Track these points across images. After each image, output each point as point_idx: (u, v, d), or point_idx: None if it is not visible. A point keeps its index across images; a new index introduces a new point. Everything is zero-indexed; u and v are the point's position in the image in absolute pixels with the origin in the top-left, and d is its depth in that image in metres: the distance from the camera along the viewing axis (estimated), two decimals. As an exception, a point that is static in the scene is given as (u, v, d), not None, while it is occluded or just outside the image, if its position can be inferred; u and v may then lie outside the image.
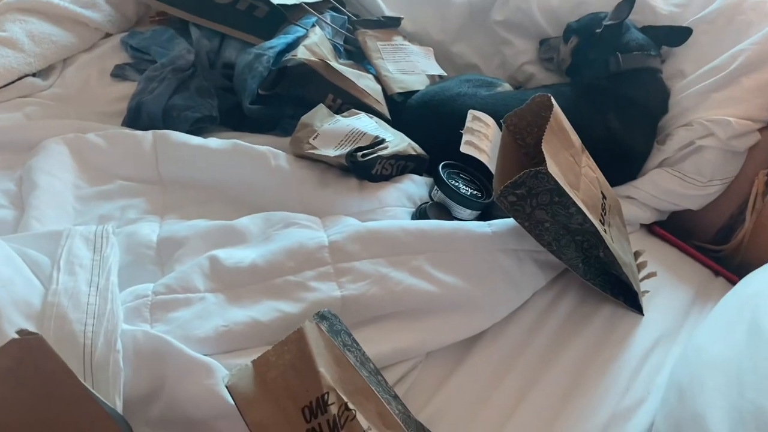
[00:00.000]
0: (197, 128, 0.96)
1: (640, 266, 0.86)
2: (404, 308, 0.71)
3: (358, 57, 1.10)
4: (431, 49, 1.15)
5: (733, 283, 0.84)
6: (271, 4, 1.03)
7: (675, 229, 1.02)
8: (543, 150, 0.70)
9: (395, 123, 0.99)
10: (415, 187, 0.89)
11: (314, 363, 0.56)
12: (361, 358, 0.62)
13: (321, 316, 0.60)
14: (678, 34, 1.06)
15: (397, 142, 0.90)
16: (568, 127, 0.78)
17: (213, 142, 0.89)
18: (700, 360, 0.65)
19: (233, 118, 1.00)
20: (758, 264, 0.78)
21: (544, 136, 0.71)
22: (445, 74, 1.13)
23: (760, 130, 0.98)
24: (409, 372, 0.70)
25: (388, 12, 1.17)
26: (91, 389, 0.53)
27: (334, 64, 0.96)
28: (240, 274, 0.71)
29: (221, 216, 0.83)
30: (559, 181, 0.68)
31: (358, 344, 0.63)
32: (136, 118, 0.96)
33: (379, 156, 0.85)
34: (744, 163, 0.98)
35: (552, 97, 0.75)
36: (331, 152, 0.84)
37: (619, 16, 1.00)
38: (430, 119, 0.99)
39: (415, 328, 0.71)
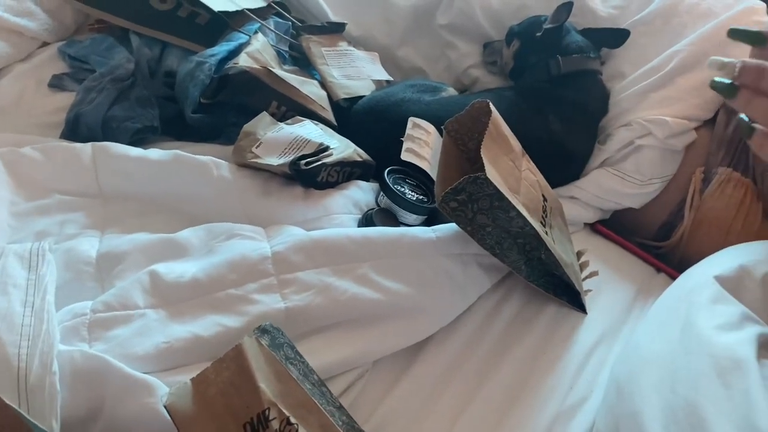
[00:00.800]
0: (138, 139, 0.94)
1: (583, 266, 0.87)
2: (350, 317, 0.71)
3: (304, 63, 1.10)
4: (377, 54, 1.16)
5: (674, 278, 0.86)
6: (213, 11, 1.02)
7: (617, 227, 1.05)
8: (482, 156, 0.70)
9: (341, 129, 0.99)
10: (361, 193, 0.89)
11: (254, 379, 0.55)
12: (305, 371, 0.62)
13: (262, 330, 0.60)
14: (617, 36, 1.08)
15: (342, 148, 0.90)
16: (508, 132, 0.79)
17: (154, 153, 0.87)
18: (638, 357, 0.67)
19: (175, 128, 0.98)
20: (698, 259, 0.80)
21: (483, 142, 0.72)
22: (392, 79, 1.13)
23: (696, 128, 1.01)
24: (356, 381, 0.70)
25: (333, 17, 1.16)
26: (24, 414, 0.52)
27: (277, 70, 0.96)
28: (181, 288, 0.69)
29: (164, 228, 0.81)
30: (498, 186, 0.69)
31: (301, 356, 0.63)
32: (75, 129, 0.94)
33: (323, 163, 0.84)
34: (682, 162, 1.01)
35: (490, 103, 0.76)
36: (275, 161, 0.83)
37: (558, 20, 1.02)
38: (375, 125, 0.99)
39: (360, 337, 0.71)
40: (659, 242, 1.03)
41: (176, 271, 0.72)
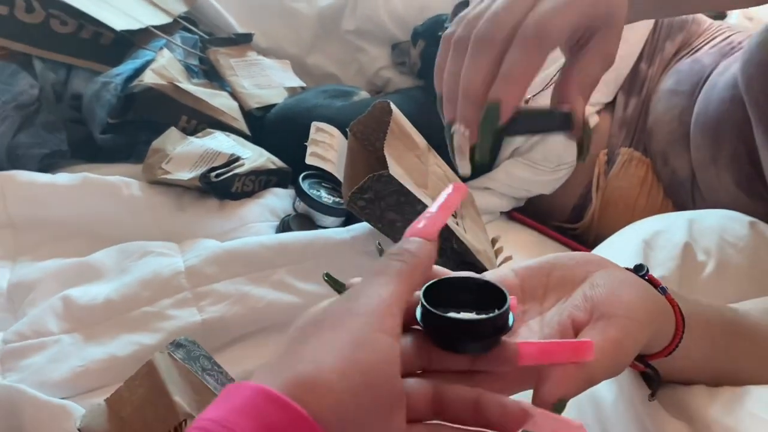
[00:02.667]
0: (47, 164, 0.93)
1: (497, 252, 0.91)
2: (270, 323, 0.72)
3: (214, 76, 1.10)
4: (288, 61, 1.17)
5: (587, 257, 0.90)
6: (116, 30, 1.01)
7: (533, 212, 1.09)
8: (385, 154, 0.73)
9: (256, 138, 1.00)
10: (277, 200, 0.90)
11: (168, 393, 0.56)
12: (223, 381, 0.62)
13: (176, 345, 0.60)
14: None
15: (255, 157, 0.91)
16: (411, 130, 0.82)
17: (62, 177, 0.86)
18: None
19: (86, 150, 0.97)
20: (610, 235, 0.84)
21: (386, 140, 0.74)
22: (305, 85, 1.15)
23: (597, 112, 1.06)
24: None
25: (240, 29, 1.17)
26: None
27: (184, 84, 0.96)
28: (95, 311, 0.69)
29: (78, 253, 0.80)
30: (402, 182, 0.71)
31: (219, 367, 0.63)
32: (-20, 160, 0.92)
33: (235, 174, 0.85)
34: (586, 146, 1.05)
35: (391, 103, 0.78)
36: (185, 175, 0.84)
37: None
38: (288, 132, 1.00)
39: (281, 342, 0.71)
40: (573, 224, 1.08)
41: (89, 293, 0.71)
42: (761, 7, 1.52)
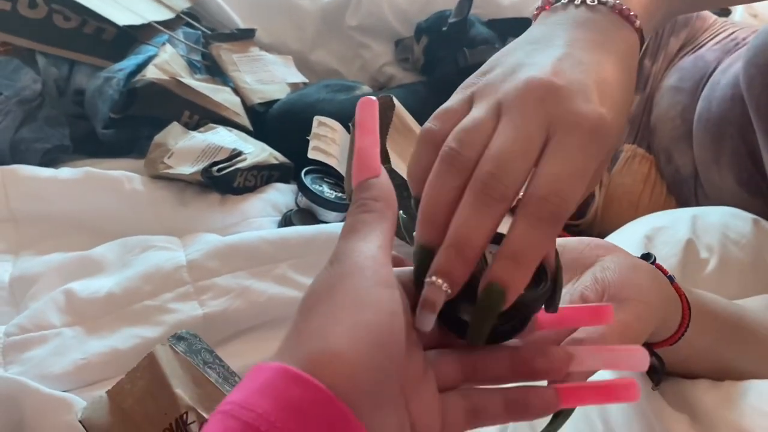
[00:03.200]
0: (50, 159, 0.93)
1: (500, 248, 0.90)
2: (271, 318, 0.72)
3: (217, 71, 1.10)
4: (290, 57, 1.17)
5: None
6: (118, 25, 1.01)
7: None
8: (387, 148, 0.72)
9: (259, 133, 1.00)
10: (279, 195, 0.90)
11: (169, 385, 0.56)
12: (225, 374, 0.62)
13: (177, 338, 0.60)
14: (520, 25, 1.12)
15: (257, 152, 0.90)
16: (414, 125, 0.82)
17: (64, 172, 0.86)
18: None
19: (89, 145, 0.97)
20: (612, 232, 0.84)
21: (389, 135, 0.74)
22: (307, 81, 1.15)
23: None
24: (281, 379, 0.71)
25: (243, 25, 1.17)
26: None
27: (186, 80, 0.96)
28: (96, 304, 0.69)
29: (80, 247, 0.80)
30: (404, 176, 0.71)
31: (221, 360, 0.63)
32: (-18, 154, 0.92)
33: (237, 168, 0.85)
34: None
35: (393, 97, 0.78)
36: (187, 170, 0.83)
37: (461, 13, 1.05)
38: (291, 127, 1.00)
39: (282, 336, 0.71)
40: (576, 220, 1.08)
41: (91, 287, 0.71)
42: (765, 3, 1.51)
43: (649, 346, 0.43)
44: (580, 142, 0.32)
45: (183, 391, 0.56)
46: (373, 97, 0.33)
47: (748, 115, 0.75)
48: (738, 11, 1.61)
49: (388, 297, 0.27)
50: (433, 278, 0.31)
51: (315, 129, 0.84)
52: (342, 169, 0.82)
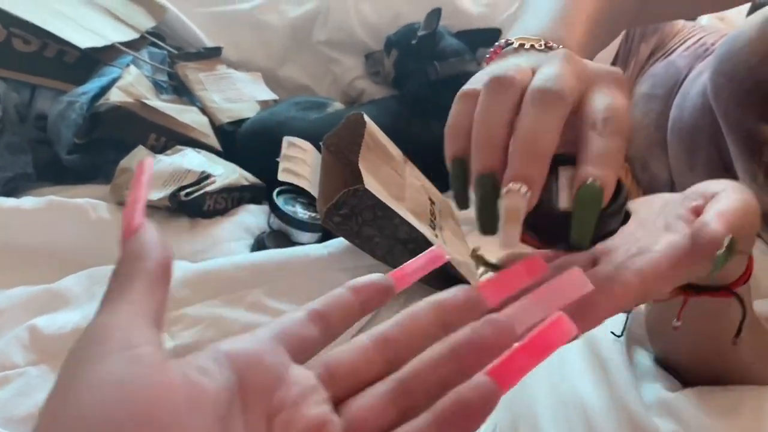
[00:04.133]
0: (12, 188, 0.90)
1: (479, 261, 0.89)
2: (246, 345, 0.70)
3: (184, 91, 1.07)
4: (259, 73, 1.15)
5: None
6: (80, 48, 0.99)
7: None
8: (360, 167, 0.71)
9: (229, 153, 0.98)
10: (252, 217, 0.88)
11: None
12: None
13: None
14: (489, 35, 1.12)
15: (227, 174, 0.88)
16: (386, 141, 0.80)
17: (27, 201, 0.83)
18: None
19: (53, 171, 0.94)
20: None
21: (360, 153, 0.73)
22: (277, 98, 1.13)
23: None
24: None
25: (209, 43, 1.15)
26: None
27: (152, 101, 0.93)
28: (63, 340, 0.66)
29: (45, 279, 0.77)
30: (378, 196, 0.70)
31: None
32: (-60, 185, 0.89)
33: (206, 192, 0.83)
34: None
35: (364, 114, 0.77)
36: (155, 195, 0.81)
37: (430, 26, 1.04)
38: (262, 146, 0.98)
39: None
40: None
41: (57, 322, 0.68)
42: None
43: (728, 287, 0.43)
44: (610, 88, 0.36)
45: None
46: (150, 159, 0.30)
47: (718, 123, 0.75)
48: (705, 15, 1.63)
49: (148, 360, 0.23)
50: (510, 185, 0.32)
51: (285, 150, 0.82)
52: (314, 191, 0.81)
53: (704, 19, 1.64)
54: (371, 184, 0.70)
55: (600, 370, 0.59)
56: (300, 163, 0.81)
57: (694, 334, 0.51)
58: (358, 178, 0.80)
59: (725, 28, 1.60)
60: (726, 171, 0.78)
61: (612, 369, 0.58)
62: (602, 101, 0.35)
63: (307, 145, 0.85)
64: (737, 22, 1.64)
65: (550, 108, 0.34)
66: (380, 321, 0.81)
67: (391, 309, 0.82)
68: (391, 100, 1.05)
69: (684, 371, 0.58)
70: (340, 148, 0.79)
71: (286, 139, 0.84)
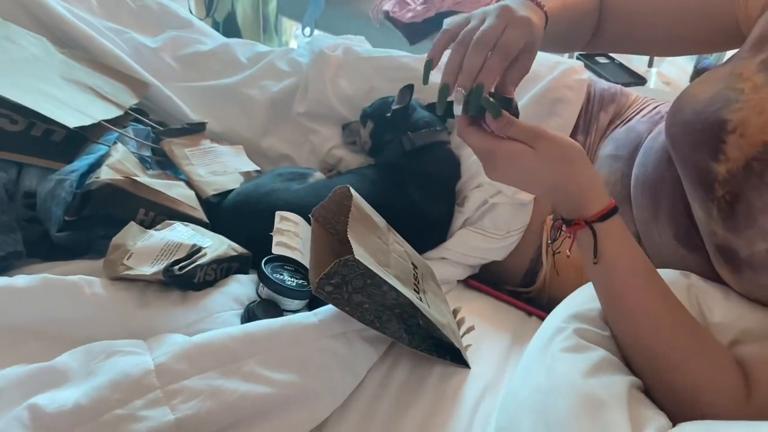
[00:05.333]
0: (3, 267, 0.91)
1: (460, 323, 0.93)
2: (243, 416, 0.72)
3: (169, 165, 1.11)
4: (241, 146, 1.20)
5: (543, 320, 0.94)
6: (68, 127, 1.02)
7: (487, 278, 1.13)
8: (349, 238, 0.75)
9: (214, 225, 1.01)
10: (240, 287, 0.91)
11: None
12: (202, 480, 0.62)
13: (153, 448, 0.60)
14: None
15: (216, 246, 0.92)
16: (371, 211, 0.85)
17: (20, 280, 0.85)
18: (514, 405, 0.73)
19: (43, 248, 0.96)
20: (563, 297, 0.88)
21: (349, 224, 0.77)
22: (259, 169, 1.17)
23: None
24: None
25: (193, 116, 1.19)
26: None
27: (141, 178, 0.97)
28: (64, 418, 0.67)
29: (41, 357, 0.78)
30: (367, 265, 0.74)
31: (197, 466, 0.63)
32: (-70, 266, 0.90)
33: (198, 265, 0.86)
34: (532, 212, 1.11)
35: (350, 188, 0.82)
36: (148, 270, 0.84)
37: (403, 101, 1.11)
38: (247, 218, 1.02)
39: (257, 432, 0.71)
40: (526, 288, 1.12)
41: (58, 400, 0.70)
42: (676, 72, 1.65)
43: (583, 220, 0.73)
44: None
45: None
46: None
47: (678, 171, 0.83)
48: (651, 79, 1.75)
49: None
50: (457, 89, 0.77)
51: (278, 224, 0.86)
52: (306, 262, 0.84)
53: (651, 84, 1.76)
54: (360, 253, 0.74)
55: (590, 413, 0.62)
56: (292, 236, 0.85)
57: (589, 270, 0.75)
58: (346, 246, 0.85)
59: (672, 91, 1.73)
60: (688, 217, 0.85)
61: (605, 411, 0.62)
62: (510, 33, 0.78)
63: (298, 218, 0.89)
64: (682, 85, 1.77)
65: (477, 48, 0.76)
66: (401, 365, 0.83)
67: (379, 370, 0.86)
68: (369, 169, 1.11)
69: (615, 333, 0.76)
70: (328, 219, 0.84)
71: (279, 214, 0.88)
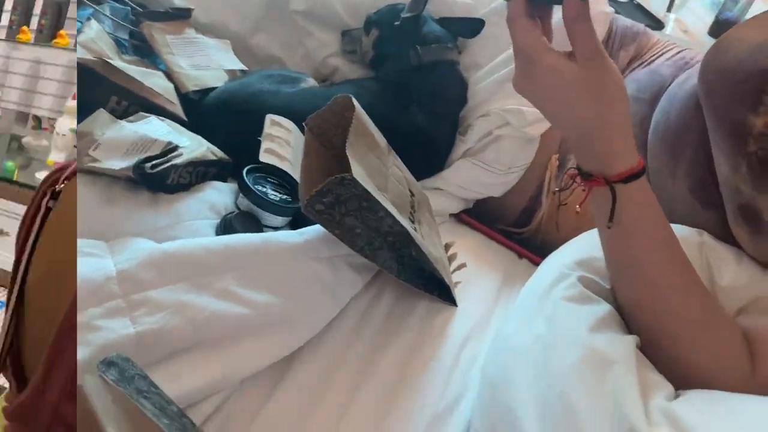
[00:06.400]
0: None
1: (451, 258, 0.87)
2: (212, 336, 0.65)
3: (147, 52, 1.00)
4: (228, 41, 1.08)
5: (535, 264, 0.88)
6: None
7: (481, 214, 1.06)
8: (348, 154, 0.67)
9: (192, 124, 0.91)
10: (218, 195, 0.82)
11: (99, 423, 0.48)
12: (161, 403, 0.55)
13: (108, 363, 0.53)
14: (472, 26, 1.09)
15: (193, 147, 0.82)
16: (373, 129, 0.77)
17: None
18: (508, 352, 0.67)
19: None
20: (557, 242, 0.82)
21: (348, 139, 0.69)
22: (246, 68, 1.07)
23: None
24: (223, 404, 0.65)
25: (178, 2, 1.07)
26: None
27: (115, 61, 0.86)
28: (8, 320, 0.60)
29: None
30: (366, 186, 0.66)
31: (156, 387, 0.56)
32: None
33: (173, 165, 0.77)
34: (538, 149, 1.03)
35: (353, 98, 0.73)
36: (116, 164, 0.74)
37: (415, 9, 1.00)
38: (230, 119, 0.92)
39: (226, 356, 0.65)
40: (520, 228, 1.06)
41: (1, 298, 0.62)
42: (695, 21, 1.57)
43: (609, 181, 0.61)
44: None
45: (115, 429, 0.49)
46: None
47: (705, 123, 0.76)
48: (669, 24, 1.66)
49: None
50: None
51: (267, 129, 0.77)
52: (296, 174, 0.76)
53: (668, 29, 1.67)
54: (358, 172, 0.66)
55: (597, 370, 0.57)
56: (283, 143, 0.76)
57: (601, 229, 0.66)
58: (340, 163, 0.76)
59: (690, 39, 1.64)
60: (709, 172, 0.78)
61: (613, 370, 0.56)
62: None
63: (290, 124, 0.80)
64: (699, 35, 1.69)
65: None
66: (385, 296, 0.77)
67: (362, 299, 0.79)
68: (371, 82, 1.01)
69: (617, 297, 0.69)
70: (323, 130, 0.75)
71: (269, 117, 0.79)
